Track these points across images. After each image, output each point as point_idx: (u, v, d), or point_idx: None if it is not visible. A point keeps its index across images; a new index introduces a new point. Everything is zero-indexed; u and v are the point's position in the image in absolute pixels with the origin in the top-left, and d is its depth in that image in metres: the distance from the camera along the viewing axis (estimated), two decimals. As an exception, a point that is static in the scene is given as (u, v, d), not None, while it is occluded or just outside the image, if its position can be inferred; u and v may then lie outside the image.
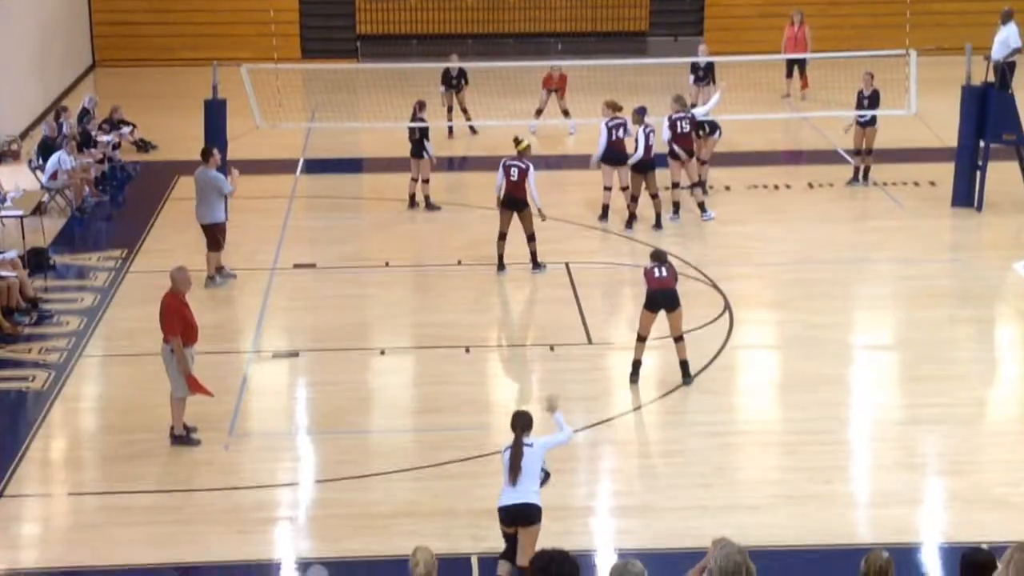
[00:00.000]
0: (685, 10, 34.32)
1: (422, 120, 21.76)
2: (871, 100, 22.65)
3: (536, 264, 18.95)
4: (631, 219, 20.80)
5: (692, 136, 21.01)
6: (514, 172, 18.53)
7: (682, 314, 15.20)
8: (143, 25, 33.42)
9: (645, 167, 20.54)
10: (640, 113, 20.75)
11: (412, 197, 22.00)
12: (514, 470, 10.78)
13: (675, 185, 21.26)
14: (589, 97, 25.71)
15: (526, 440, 10.93)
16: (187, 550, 12.01)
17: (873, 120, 22.66)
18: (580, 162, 23.31)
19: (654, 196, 20.70)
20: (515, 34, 33.21)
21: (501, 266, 18.92)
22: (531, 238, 18.86)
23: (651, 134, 20.49)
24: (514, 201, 18.67)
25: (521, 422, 11.00)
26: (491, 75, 27.23)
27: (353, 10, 33.80)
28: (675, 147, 20.83)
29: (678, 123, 20.89)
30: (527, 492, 10.85)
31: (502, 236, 18.85)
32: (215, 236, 18.60)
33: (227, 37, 32.67)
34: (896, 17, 30.72)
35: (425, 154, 21.71)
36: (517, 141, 18.95)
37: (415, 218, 21.66)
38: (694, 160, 21.19)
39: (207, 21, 33.24)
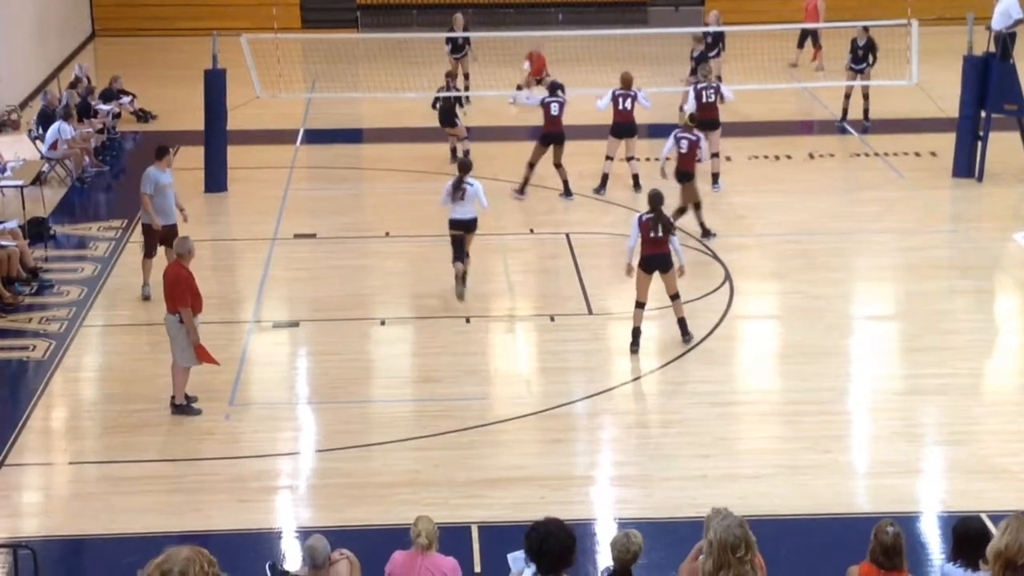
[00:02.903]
0: (686, -20, 34.20)
1: (456, 89, 22.29)
2: (865, 48, 24.10)
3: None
4: (523, 183, 20.96)
5: (717, 106, 21.05)
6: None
7: (676, 273, 15.28)
8: (142, -6, 33.35)
9: (552, 138, 20.71)
10: (551, 88, 21.17)
11: (454, 151, 22.43)
12: (457, 198, 16.69)
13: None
14: (590, 67, 25.63)
15: (468, 180, 16.66)
16: (188, 519, 12.03)
17: (867, 67, 24.07)
18: (579, 132, 23.34)
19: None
20: (515, 4, 33.07)
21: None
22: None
23: (553, 103, 20.63)
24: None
25: (464, 167, 16.93)
26: (491, 45, 27.12)
27: (353, -21, 33.68)
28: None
29: (703, 93, 20.95)
30: (470, 211, 16.79)
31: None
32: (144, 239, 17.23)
33: (227, 7, 32.56)
34: (898, -13, 30.58)
35: (457, 121, 22.14)
36: (692, 118, 19.04)
37: (415, 188, 21.64)
38: (718, 131, 21.12)
39: (207, -10, 33.14)
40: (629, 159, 21.01)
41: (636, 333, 15.45)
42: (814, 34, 28.82)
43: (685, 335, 15.52)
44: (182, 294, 13.72)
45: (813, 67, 28.75)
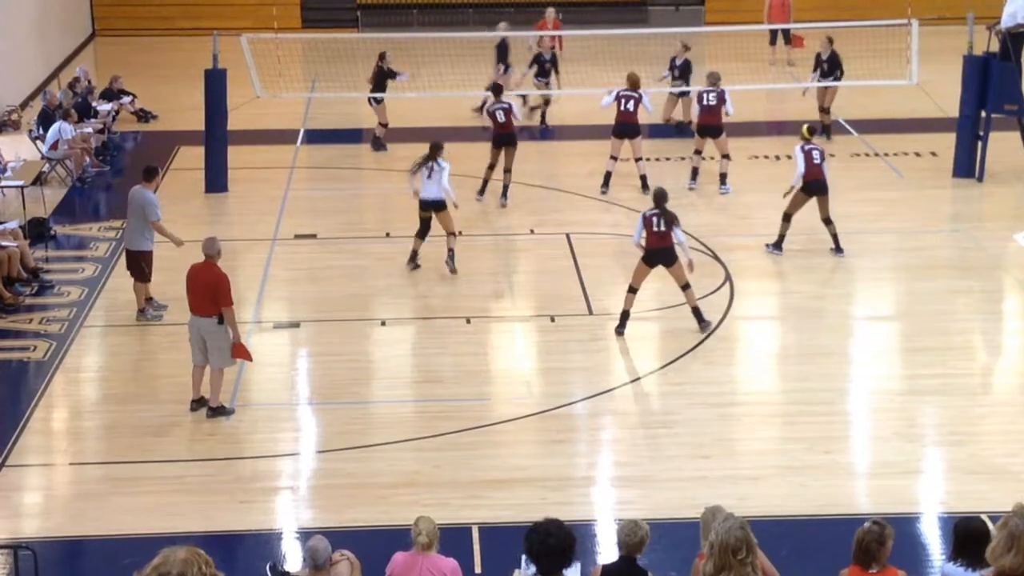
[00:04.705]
0: (686, -21, 34.17)
1: (385, 69, 22.91)
2: (830, 63, 23.51)
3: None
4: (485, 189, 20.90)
5: (720, 112, 20.98)
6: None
7: (682, 265, 15.49)
8: (143, -6, 33.34)
9: (503, 141, 20.49)
10: (495, 91, 20.94)
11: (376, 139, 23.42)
12: (430, 176, 17.40)
13: (697, 152, 21.30)
14: (590, 68, 25.63)
15: (440, 160, 17.46)
16: (189, 520, 12.03)
17: (837, 78, 23.53)
18: (579, 132, 23.38)
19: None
20: (516, 3, 33.04)
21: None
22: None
23: (499, 110, 20.36)
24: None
25: (434, 148, 17.60)
26: (490, 45, 27.07)
27: (353, -21, 33.65)
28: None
29: (704, 96, 20.94)
30: (439, 191, 17.47)
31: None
32: (138, 266, 16.33)
33: (227, 6, 32.56)
34: (898, -14, 30.58)
35: (372, 102, 23.08)
36: (811, 130, 18.56)
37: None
38: (723, 135, 21.11)
39: (207, -10, 33.15)
40: (636, 160, 20.96)
41: (624, 316, 15.75)
42: (785, 30, 28.91)
43: (701, 323, 15.75)
44: (225, 294, 13.72)
45: (787, 60, 28.88)
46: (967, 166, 21.52)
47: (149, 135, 25.14)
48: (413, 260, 17.87)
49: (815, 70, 23.89)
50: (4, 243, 17.26)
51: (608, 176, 21.05)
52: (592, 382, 14.77)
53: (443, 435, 13.54)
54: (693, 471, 12.81)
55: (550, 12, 26.85)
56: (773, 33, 28.97)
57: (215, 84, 21.33)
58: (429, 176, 17.46)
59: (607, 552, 11.22)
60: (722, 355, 15.53)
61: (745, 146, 23.30)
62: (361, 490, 12.56)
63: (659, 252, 15.50)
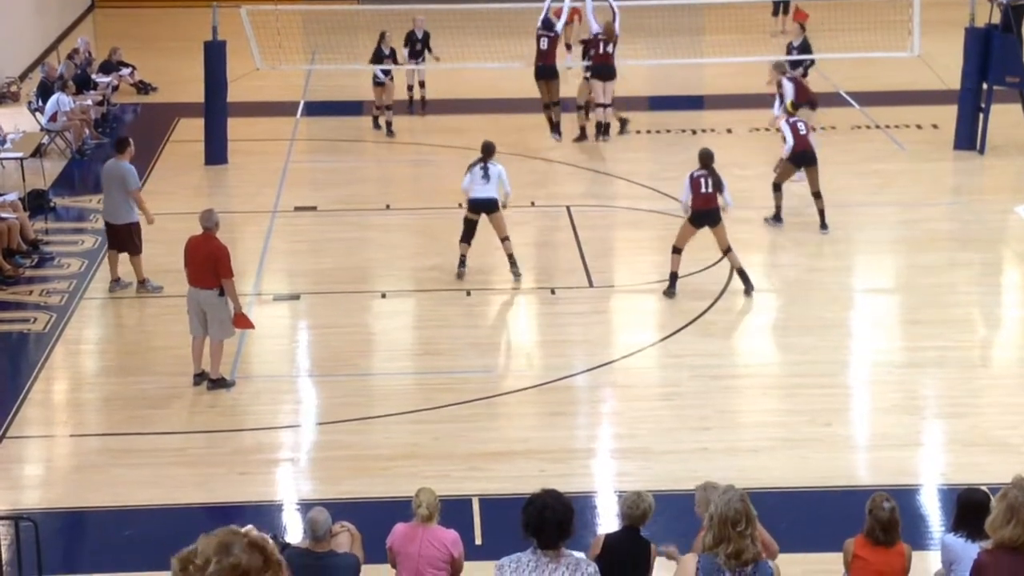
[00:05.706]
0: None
1: (384, 51, 22.64)
2: (800, 50, 22.65)
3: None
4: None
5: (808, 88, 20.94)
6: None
7: (725, 227, 15.66)
8: (142, -35, 33.17)
9: (543, 73, 21.42)
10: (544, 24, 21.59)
11: (375, 119, 23.03)
12: (486, 177, 16.13)
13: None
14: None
15: (491, 162, 16.19)
16: (189, 491, 12.06)
17: (806, 72, 22.59)
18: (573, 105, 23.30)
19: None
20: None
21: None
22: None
23: (543, 38, 21.30)
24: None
25: (487, 150, 16.37)
26: (491, 17, 26.99)
27: (353, -50, 33.44)
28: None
29: (791, 80, 20.85)
30: (491, 191, 16.17)
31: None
32: (130, 239, 16.14)
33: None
34: (900, -43, 30.45)
35: (380, 79, 22.59)
36: (793, 105, 18.66)
37: (416, 161, 21.61)
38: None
39: (206, -38, 32.96)
40: (606, 106, 21.41)
41: (673, 277, 15.85)
42: (786, 2, 28.83)
43: (747, 284, 15.88)
44: (225, 266, 13.70)
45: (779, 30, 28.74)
46: (968, 138, 21.45)
47: (148, 107, 25.09)
48: (462, 265, 16.62)
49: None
50: (4, 215, 17.24)
51: (599, 125, 21.42)
52: (592, 354, 14.77)
53: (443, 407, 13.54)
54: (693, 443, 12.82)
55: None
56: (776, 4, 28.90)
57: (215, 56, 21.25)
58: (485, 176, 16.20)
59: (607, 524, 11.24)
60: (722, 327, 15.53)
61: (745, 118, 23.24)
62: (361, 462, 12.57)
63: (706, 213, 15.68)
